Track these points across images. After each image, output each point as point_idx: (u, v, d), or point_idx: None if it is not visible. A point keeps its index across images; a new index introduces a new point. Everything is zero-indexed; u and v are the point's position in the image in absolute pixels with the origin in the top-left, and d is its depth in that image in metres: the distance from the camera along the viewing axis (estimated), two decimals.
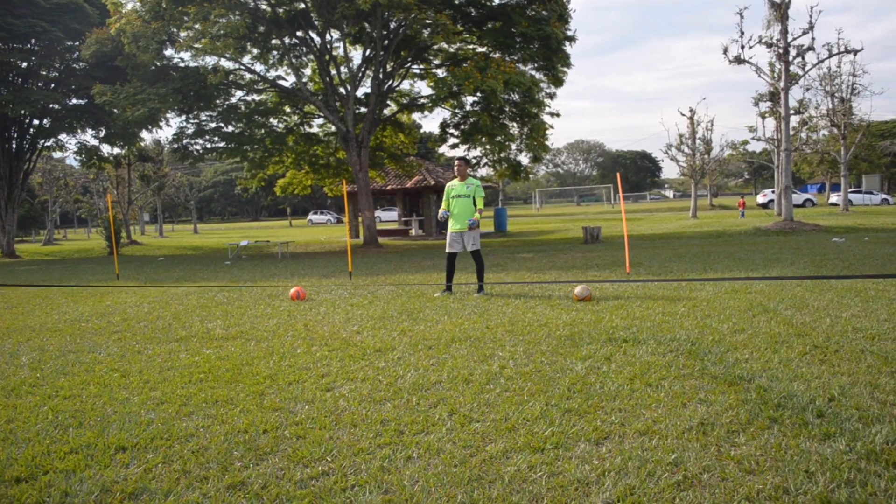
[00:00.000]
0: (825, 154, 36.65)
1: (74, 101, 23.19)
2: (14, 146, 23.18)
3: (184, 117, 20.94)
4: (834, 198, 41.01)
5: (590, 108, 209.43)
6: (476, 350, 4.93)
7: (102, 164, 25.37)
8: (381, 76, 20.10)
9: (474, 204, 7.97)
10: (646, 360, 4.42)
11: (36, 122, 22.98)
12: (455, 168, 8.13)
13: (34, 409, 3.89)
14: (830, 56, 21.89)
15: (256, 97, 22.30)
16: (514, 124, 20.38)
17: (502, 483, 2.69)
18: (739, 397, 3.56)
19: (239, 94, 21.65)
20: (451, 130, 21.21)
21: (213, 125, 21.03)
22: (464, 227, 7.95)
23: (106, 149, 25.44)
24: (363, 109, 21.70)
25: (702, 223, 26.15)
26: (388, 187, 27.00)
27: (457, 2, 18.94)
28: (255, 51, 20.64)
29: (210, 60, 19.56)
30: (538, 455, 2.94)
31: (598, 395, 3.72)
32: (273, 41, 20.23)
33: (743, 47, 20.44)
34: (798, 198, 38.56)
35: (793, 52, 19.83)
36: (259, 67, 21.27)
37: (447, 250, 8.07)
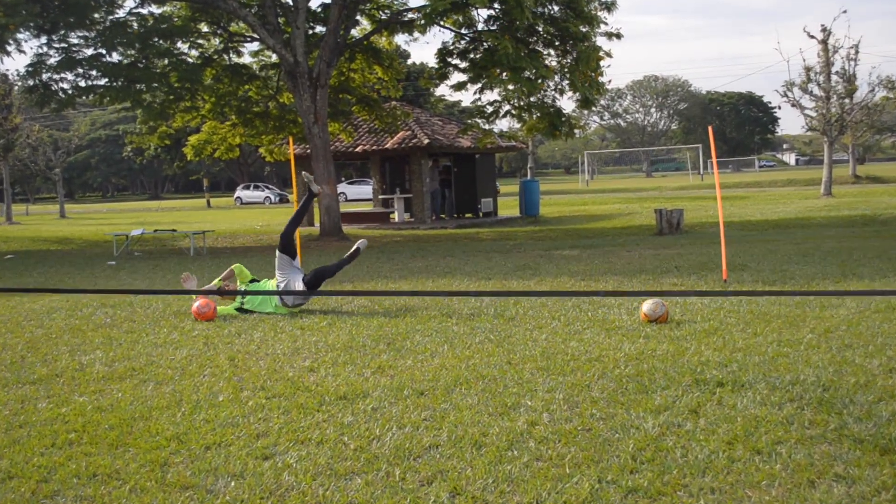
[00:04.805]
0: None
1: None
2: None
3: (44, 39, 20.91)
4: None
5: (667, 27, 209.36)
6: (492, 397, 4.94)
7: None
8: None
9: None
10: (752, 413, 4.43)
11: None
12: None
13: None
14: None
15: (156, 10, 22.26)
16: (552, 52, 20.33)
17: None
18: None
19: (129, 4, 21.68)
20: (455, 61, 21.17)
21: (90, 52, 21.01)
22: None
23: None
24: (320, 29, 21.66)
25: (840, 203, 26.14)
26: (359, 148, 27.01)
27: None
28: None
29: None
30: None
31: (678, 466, 3.73)
32: None
33: None
34: None
35: None
36: None
37: None
